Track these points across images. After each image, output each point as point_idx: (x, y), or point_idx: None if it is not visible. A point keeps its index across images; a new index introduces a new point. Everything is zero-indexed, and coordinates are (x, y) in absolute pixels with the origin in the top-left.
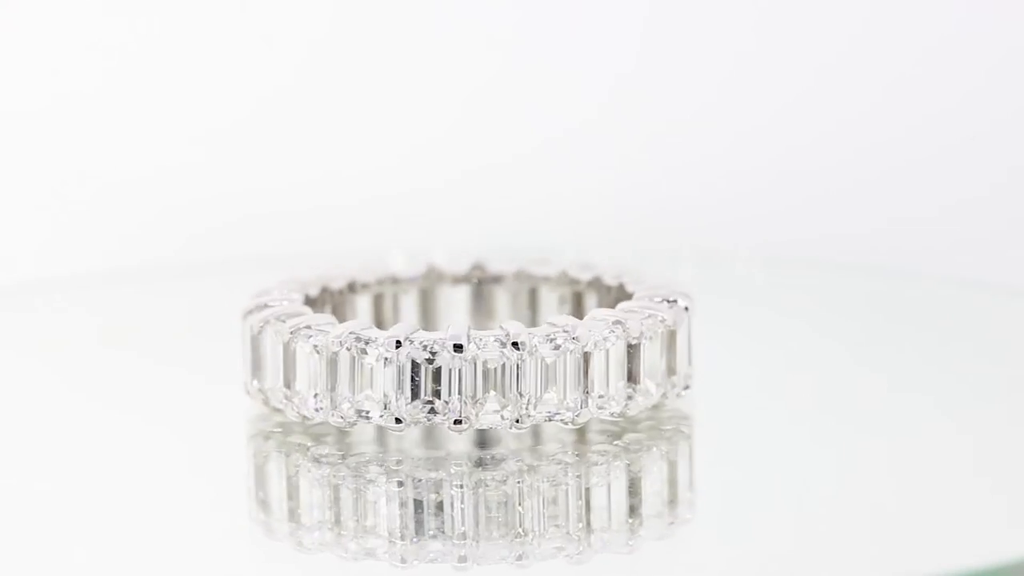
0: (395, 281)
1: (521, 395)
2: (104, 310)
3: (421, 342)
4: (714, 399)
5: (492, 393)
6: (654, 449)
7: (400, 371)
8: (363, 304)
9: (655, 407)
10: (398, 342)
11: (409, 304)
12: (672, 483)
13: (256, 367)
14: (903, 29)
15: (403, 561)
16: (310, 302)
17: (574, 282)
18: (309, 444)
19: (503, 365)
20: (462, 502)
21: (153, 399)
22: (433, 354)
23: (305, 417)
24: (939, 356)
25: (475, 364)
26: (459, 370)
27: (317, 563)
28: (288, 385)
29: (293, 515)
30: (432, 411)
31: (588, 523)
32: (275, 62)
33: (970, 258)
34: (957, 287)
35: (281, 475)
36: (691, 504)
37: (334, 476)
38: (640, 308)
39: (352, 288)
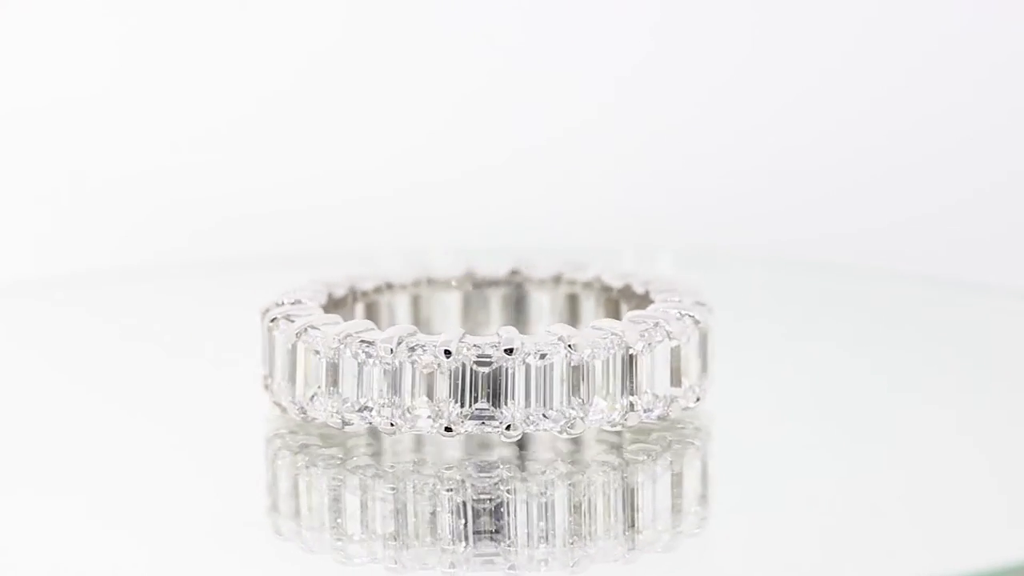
0: (431, 282)
1: (455, 403)
2: (103, 309)
3: (381, 340)
4: (710, 402)
5: (424, 399)
6: (597, 469)
7: (338, 370)
8: (402, 303)
9: (627, 422)
10: (341, 340)
11: (452, 305)
12: (612, 505)
13: (263, 356)
14: (902, 30)
15: (348, 558)
16: (338, 300)
17: (607, 288)
18: (287, 431)
19: (435, 371)
20: (393, 504)
21: (157, 393)
22: (369, 355)
23: (279, 406)
24: (939, 357)
25: (401, 368)
26: (392, 373)
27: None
28: (270, 374)
29: (261, 501)
30: (368, 412)
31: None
32: (274, 61)
33: (970, 258)
34: (956, 288)
35: (268, 466)
36: (650, 523)
37: (295, 466)
38: (608, 326)
39: (383, 289)
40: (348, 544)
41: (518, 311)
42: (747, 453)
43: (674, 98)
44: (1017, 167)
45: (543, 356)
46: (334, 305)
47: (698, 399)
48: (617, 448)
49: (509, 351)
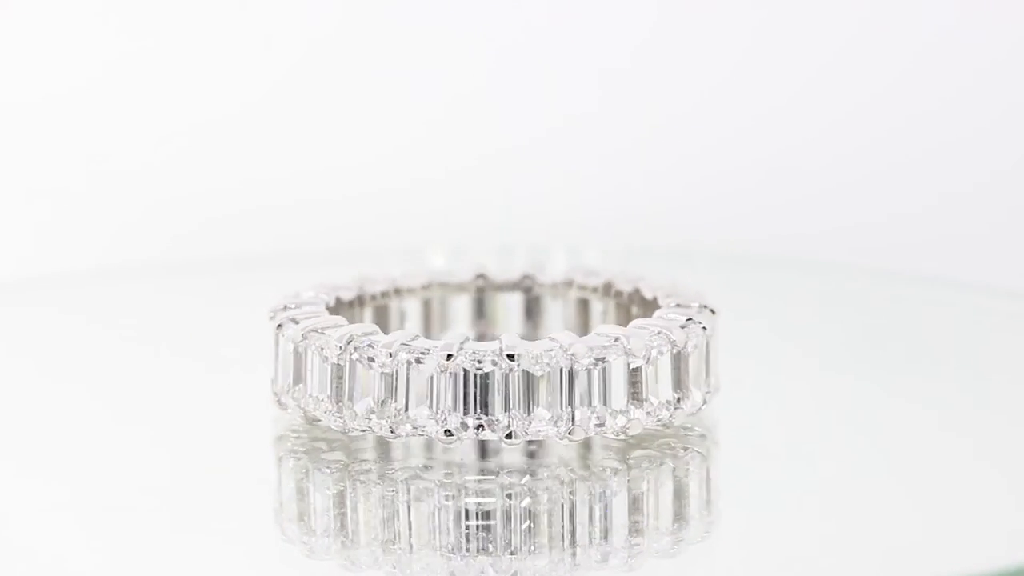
0: (444, 285)
1: (396, 405)
2: (97, 308)
3: (334, 338)
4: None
5: (366, 399)
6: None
7: (302, 364)
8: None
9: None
10: (304, 335)
11: (461, 308)
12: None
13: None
14: (899, 27)
15: (311, 552)
16: (347, 303)
17: (618, 293)
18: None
19: (376, 372)
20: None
21: (157, 391)
22: (322, 351)
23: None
24: (939, 357)
25: (351, 367)
26: (340, 371)
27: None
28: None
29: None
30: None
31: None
32: (268, 58)
33: (970, 258)
34: (956, 288)
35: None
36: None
37: (276, 456)
38: (562, 339)
39: (398, 292)
40: (310, 538)
41: (529, 316)
42: (735, 464)
43: (670, 96)
44: (1017, 166)
45: (479, 363)
46: (364, 302)
47: (670, 415)
48: (582, 460)
49: (449, 356)
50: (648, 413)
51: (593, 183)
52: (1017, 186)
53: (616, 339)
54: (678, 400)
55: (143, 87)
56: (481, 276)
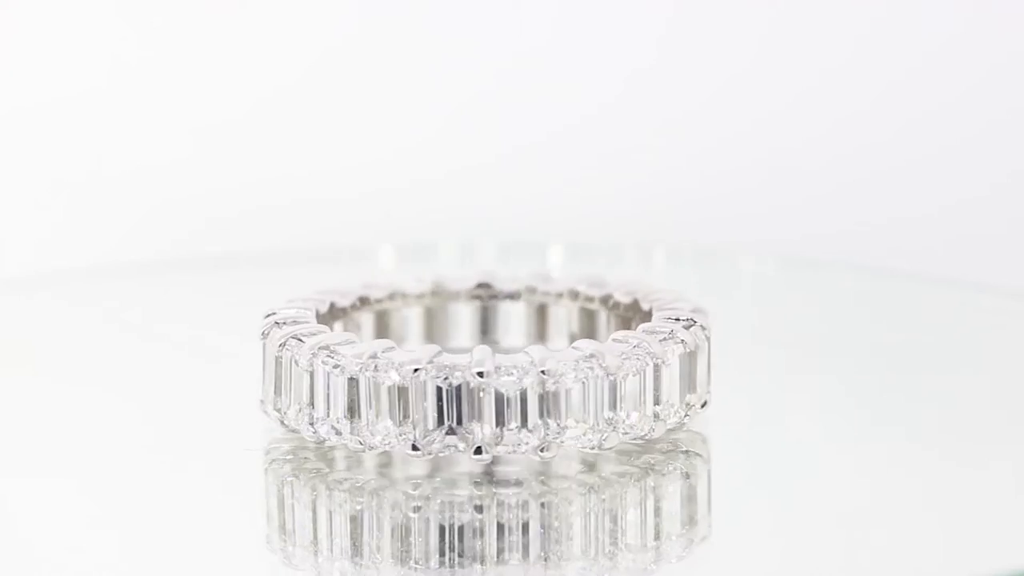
0: (404, 296)
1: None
2: (98, 307)
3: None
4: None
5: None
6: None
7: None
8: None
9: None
10: (313, 353)
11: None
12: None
13: None
14: (902, 29)
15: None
16: (335, 311)
17: (587, 299)
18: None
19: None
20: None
21: (156, 389)
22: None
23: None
24: (939, 358)
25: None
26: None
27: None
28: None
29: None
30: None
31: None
32: (271, 60)
33: (970, 258)
34: (956, 288)
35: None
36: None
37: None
38: (588, 349)
39: (364, 302)
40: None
41: (485, 325)
42: (736, 465)
43: (671, 97)
44: (1017, 167)
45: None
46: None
47: (685, 416)
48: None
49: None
50: (667, 416)
51: (593, 184)
52: (1018, 187)
53: (637, 345)
54: (688, 403)
55: (146, 89)
56: (437, 285)
